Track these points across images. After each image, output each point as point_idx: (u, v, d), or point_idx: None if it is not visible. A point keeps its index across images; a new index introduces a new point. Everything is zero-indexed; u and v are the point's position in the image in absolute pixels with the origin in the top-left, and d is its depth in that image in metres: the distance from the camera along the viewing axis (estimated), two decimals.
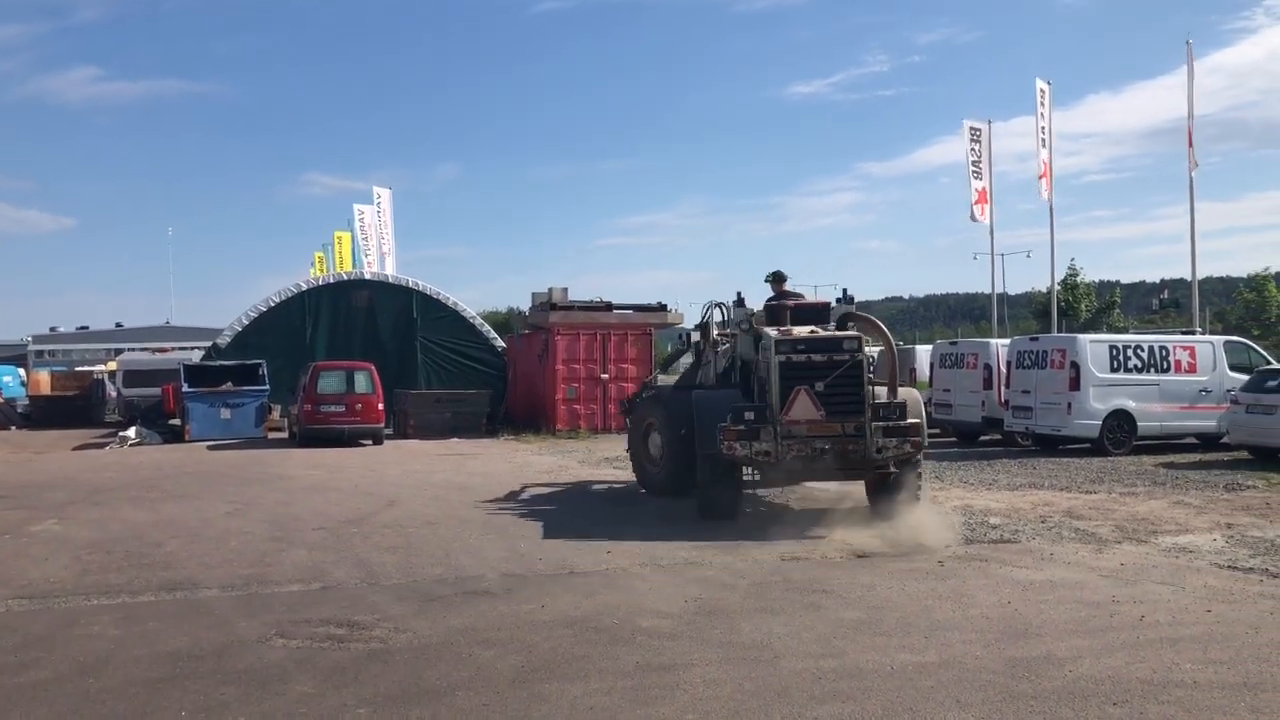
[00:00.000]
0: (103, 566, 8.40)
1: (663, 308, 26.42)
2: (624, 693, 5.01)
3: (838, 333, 10.63)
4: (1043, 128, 27.89)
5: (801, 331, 10.58)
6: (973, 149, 29.66)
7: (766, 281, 12.45)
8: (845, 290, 11.66)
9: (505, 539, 9.48)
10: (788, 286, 12.38)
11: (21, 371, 51.02)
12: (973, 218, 30.18)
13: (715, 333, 12.68)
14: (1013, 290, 79.08)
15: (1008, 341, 20.44)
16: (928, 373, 22.06)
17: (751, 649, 5.79)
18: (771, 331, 10.53)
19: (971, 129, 29.92)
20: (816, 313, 11.51)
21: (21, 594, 7.43)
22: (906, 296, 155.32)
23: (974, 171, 29.66)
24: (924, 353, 23.42)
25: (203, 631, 6.29)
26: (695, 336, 13.72)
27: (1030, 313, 62.51)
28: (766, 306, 11.78)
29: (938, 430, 22.52)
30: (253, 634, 6.20)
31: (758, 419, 9.82)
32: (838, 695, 4.96)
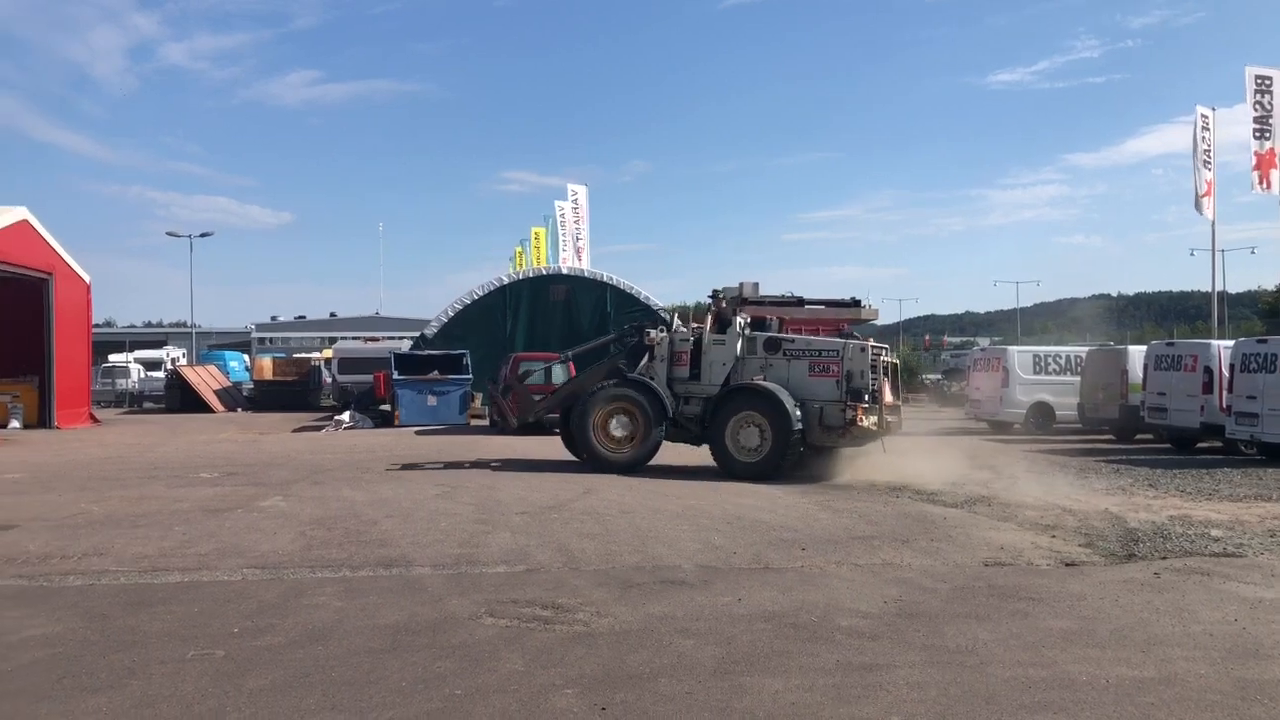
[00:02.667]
0: (325, 542, 8.96)
1: (856, 303, 25.96)
2: (825, 690, 4.99)
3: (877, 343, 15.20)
4: (1259, 117, 25.98)
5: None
6: (1203, 137, 27.88)
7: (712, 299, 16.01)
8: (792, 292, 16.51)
9: (699, 530, 9.58)
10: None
11: (246, 357, 54.80)
12: (1199, 210, 28.40)
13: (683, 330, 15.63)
14: (1231, 289, 73.83)
15: (1230, 343, 19.14)
16: (1140, 374, 20.92)
17: (956, 654, 5.66)
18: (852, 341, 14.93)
19: (1202, 115, 28.13)
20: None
21: (254, 564, 8.01)
22: (1114, 294, 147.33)
23: (1203, 161, 27.87)
24: (1136, 354, 22.15)
25: (418, 607, 6.62)
26: (652, 334, 15.56)
27: (1254, 312, 58.32)
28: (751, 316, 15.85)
29: (1150, 435, 21.38)
30: (464, 612, 6.49)
31: (871, 400, 14.19)
32: (1049, 706, 4.79)
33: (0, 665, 5.36)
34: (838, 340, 15.36)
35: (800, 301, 25.57)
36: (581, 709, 4.68)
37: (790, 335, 15.67)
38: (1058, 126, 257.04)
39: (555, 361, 23.36)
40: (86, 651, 5.61)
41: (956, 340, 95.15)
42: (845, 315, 25.80)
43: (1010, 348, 26.34)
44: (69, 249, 27.33)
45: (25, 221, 24.88)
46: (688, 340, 15.20)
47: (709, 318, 15.57)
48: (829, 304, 25.82)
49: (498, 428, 23.34)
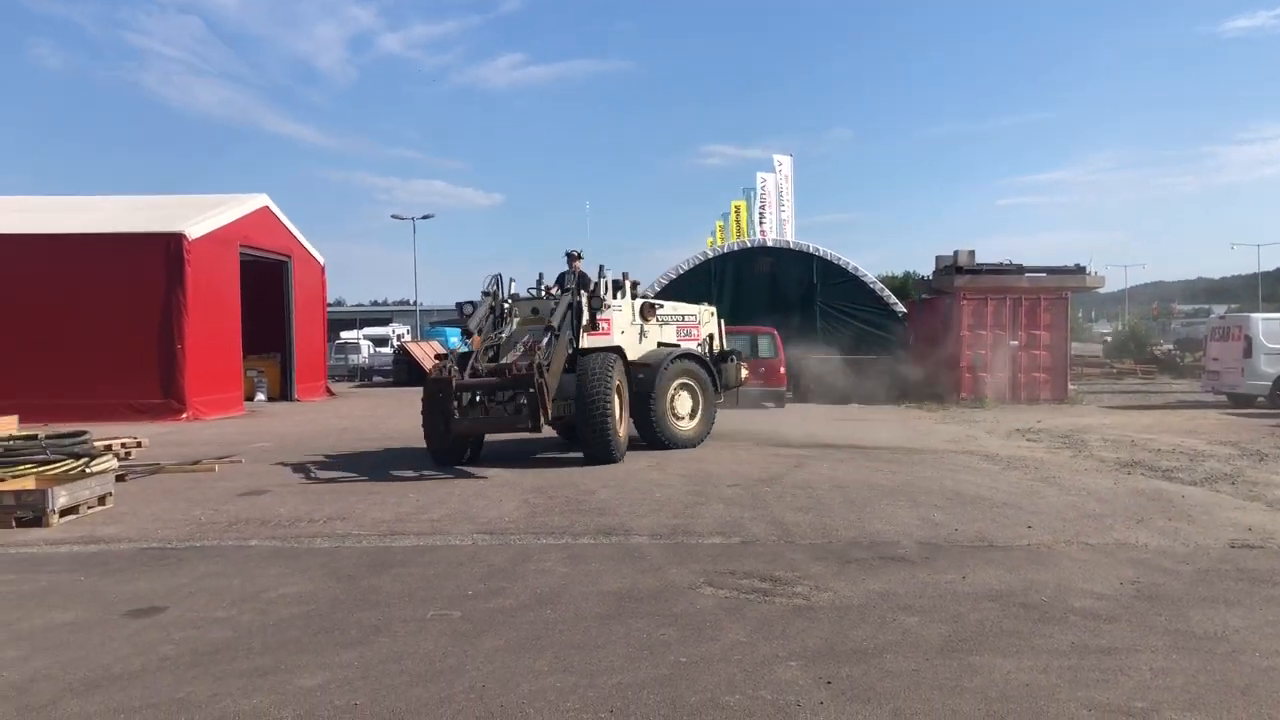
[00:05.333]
0: (546, 509, 9.28)
1: (1080, 270, 24.73)
2: (1061, 672, 4.79)
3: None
4: None
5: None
6: None
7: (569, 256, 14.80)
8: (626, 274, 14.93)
9: (916, 506, 9.36)
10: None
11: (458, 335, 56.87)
12: None
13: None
14: None
15: None
16: None
17: (1204, 640, 5.32)
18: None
19: None
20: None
21: (483, 530, 8.39)
22: None
23: None
24: None
25: (638, 575, 6.77)
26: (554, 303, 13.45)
27: None
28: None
29: None
30: (683, 581, 6.59)
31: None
32: None
33: (263, 619, 5.83)
34: (694, 306, 16.07)
35: (1020, 269, 24.55)
36: (806, 682, 4.67)
37: (655, 300, 15.75)
38: None
39: (761, 333, 23.30)
40: (336, 609, 6.02)
41: (1188, 308, 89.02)
42: (1069, 283, 24.61)
43: (1254, 315, 24.37)
44: (303, 232, 29.22)
45: (266, 208, 26.73)
46: (608, 307, 13.88)
47: (580, 281, 14.33)
48: (1051, 271, 24.67)
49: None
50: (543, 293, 14.21)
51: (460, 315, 13.70)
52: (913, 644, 5.24)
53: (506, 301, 13.78)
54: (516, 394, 11.51)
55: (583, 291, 13.70)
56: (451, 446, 12.60)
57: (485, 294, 13.59)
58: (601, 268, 14.44)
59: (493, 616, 5.82)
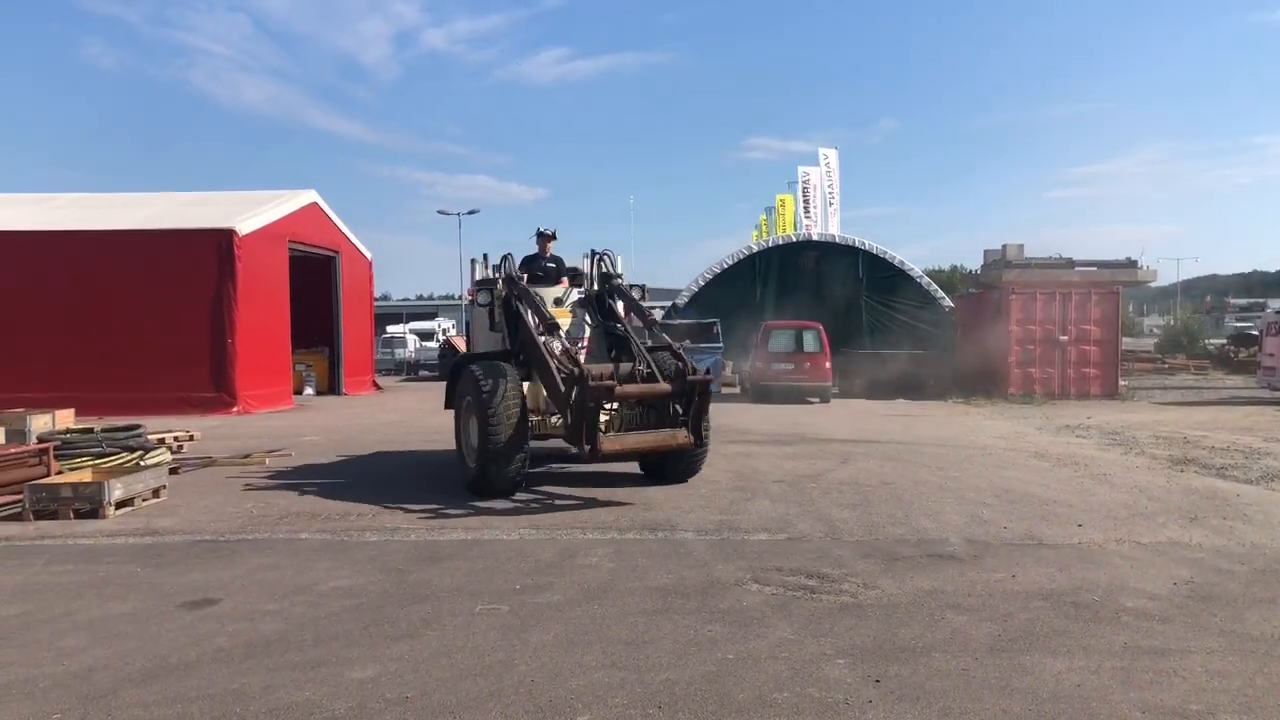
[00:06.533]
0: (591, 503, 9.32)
1: (1132, 264, 24.43)
2: (1113, 673, 4.74)
3: None
4: None
5: None
6: None
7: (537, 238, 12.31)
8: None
9: (964, 504, 9.29)
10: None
11: None
12: None
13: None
14: None
15: None
16: None
17: (1261, 642, 5.23)
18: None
19: None
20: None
21: (529, 525, 8.43)
22: None
23: None
24: None
25: (685, 571, 6.78)
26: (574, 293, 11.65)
27: None
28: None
29: None
30: (730, 577, 6.59)
31: None
32: None
33: (315, 612, 5.91)
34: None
35: (1070, 263, 24.27)
36: (854, 680, 4.66)
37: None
38: None
39: (806, 328, 23.19)
40: (386, 602, 6.09)
41: (1242, 302, 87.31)
42: (1120, 277, 24.30)
43: None
44: (350, 228, 29.50)
45: (315, 204, 27.02)
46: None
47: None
48: (1102, 265, 24.37)
49: (750, 395, 23.44)
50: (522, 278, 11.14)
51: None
52: (962, 643, 5.21)
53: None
54: (673, 404, 9.67)
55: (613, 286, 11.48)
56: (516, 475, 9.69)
57: (514, 277, 10.95)
58: (593, 253, 11.80)
59: (540, 611, 5.86)
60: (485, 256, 11.79)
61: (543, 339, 9.94)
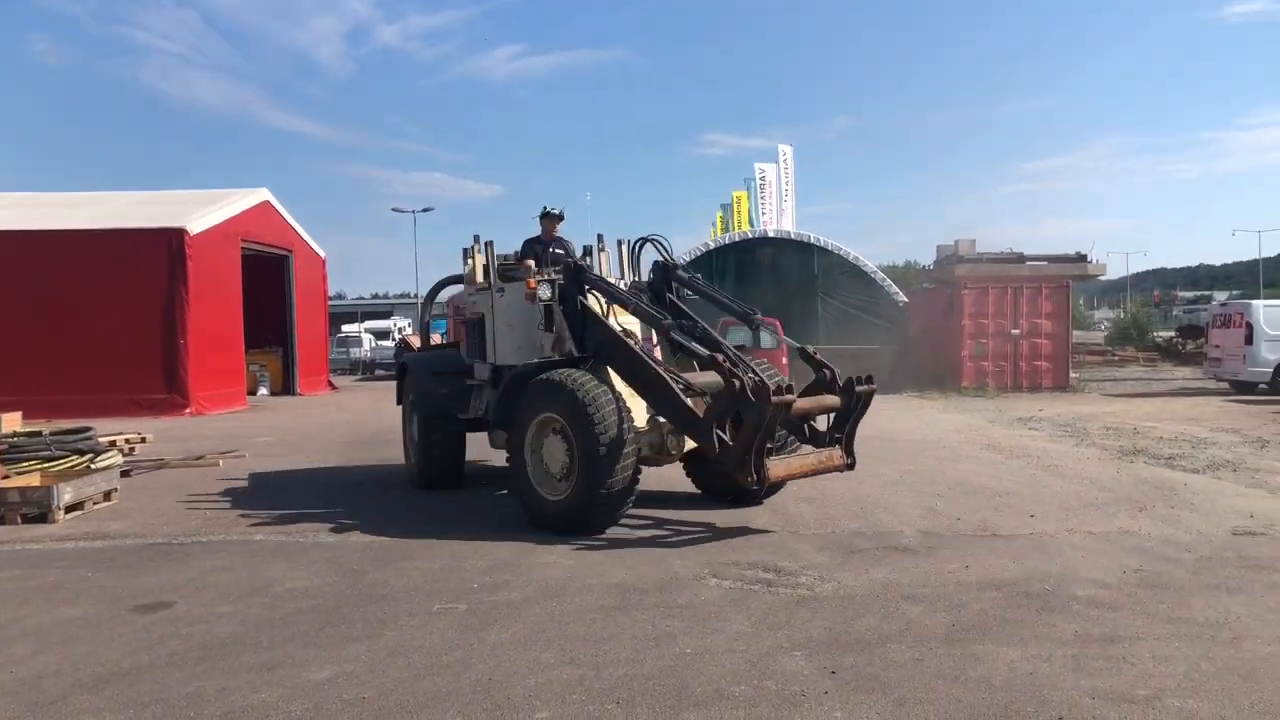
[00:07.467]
0: None
1: (1082, 258, 24.79)
2: (1064, 661, 4.82)
3: None
4: None
5: None
6: None
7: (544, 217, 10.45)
8: None
9: (918, 496, 9.40)
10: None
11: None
12: None
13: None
14: None
15: None
16: None
17: (1207, 627, 5.34)
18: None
19: None
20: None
21: (488, 524, 8.41)
22: None
23: None
24: None
25: (643, 567, 6.79)
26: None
27: None
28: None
29: None
30: (688, 573, 6.61)
31: None
32: None
33: (270, 613, 5.86)
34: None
35: (1021, 258, 24.59)
36: (811, 671, 4.70)
37: None
38: None
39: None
40: (343, 603, 6.05)
41: (1189, 295, 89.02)
42: (1071, 271, 24.66)
43: (1255, 302, 24.36)
44: (304, 226, 29.21)
45: (267, 202, 26.72)
46: None
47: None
48: (1052, 259, 24.72)
49: None
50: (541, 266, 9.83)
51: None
52: (916, 634, 5.27)
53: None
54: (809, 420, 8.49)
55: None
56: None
57: (581, 266, 9.07)
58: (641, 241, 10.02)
59: (498, 609, 5.85)
60: (477, 238, 10.34)
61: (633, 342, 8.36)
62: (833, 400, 8.22)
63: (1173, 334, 44.29)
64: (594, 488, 7.59)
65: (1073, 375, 25.24)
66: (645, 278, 9.91)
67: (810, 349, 8.71)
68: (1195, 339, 36.74)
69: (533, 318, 9.19)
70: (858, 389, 8.20)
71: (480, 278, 10.17)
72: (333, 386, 30.59)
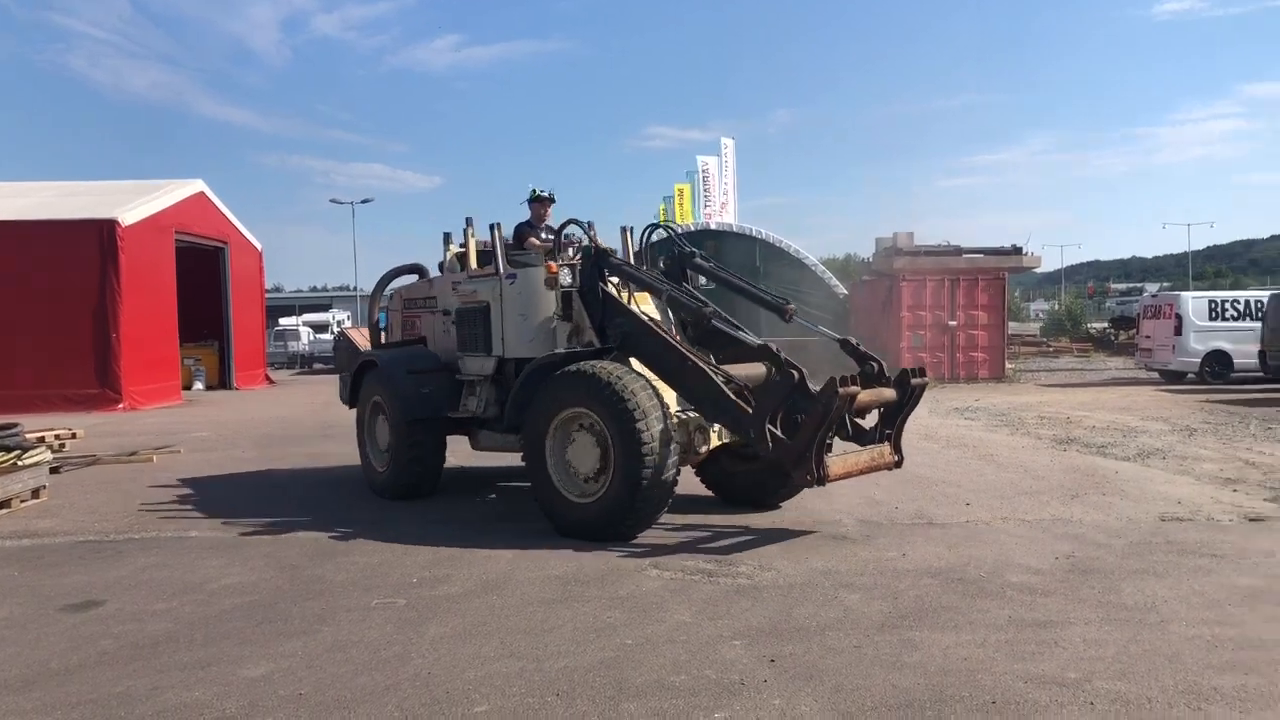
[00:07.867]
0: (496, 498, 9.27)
1: (1017, 250, 25.17)
2: (998, 646, 4.90)
3: None
4: None
5: None
6: None
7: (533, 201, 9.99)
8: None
9: (857, 485, 9.44)
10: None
11: None
12: None
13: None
14: None
15: None
16: None
17: (1134, 611, 5.47)
18: None
19: None
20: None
21: (430, 518, 8.36)
22: None
23: None
24: None
25: (585, 559, 6.79)
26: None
27: None
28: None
29: None
30: (629, 564, 6.62)
31: None
32: (1237, 666, 4.59)
33: (205, 611, 5.76)
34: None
35: (958, 250, 24.93)
36: (750, 660, 4.73)
37: None
38: (1234, 55, 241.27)
39: None
40: (280, 599, 5.97)
41: (1122, 287, 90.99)
42: (1007, 263, 25.04)
43: (1184, 293, 25.00)
44: (240, 218, 28.75)
45: (202, 194, 26.25)
46: None
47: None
48: (988, 252, 25.09)
49: None
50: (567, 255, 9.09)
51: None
52: (854, 621, 5.33)
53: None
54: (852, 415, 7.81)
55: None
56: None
57: (604, 250, 8.48)
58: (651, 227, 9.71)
59: (438, 603, 5.81)
60: (470, 220, 9.73)
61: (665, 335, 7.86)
62: (890, 393, 7.65)
63: (1106, 325, 45.24)
64: (634, 489, 7.03)
65: (1008, 366, 25.67)
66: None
67: (853, 341, 8.10)
68: (1127, 330, 37.58)
69: (548, 306, 8.54)
70: (912, 382, 7.72)
71: (475, 263, 9.57)
72: (270, 381, 30.16)
